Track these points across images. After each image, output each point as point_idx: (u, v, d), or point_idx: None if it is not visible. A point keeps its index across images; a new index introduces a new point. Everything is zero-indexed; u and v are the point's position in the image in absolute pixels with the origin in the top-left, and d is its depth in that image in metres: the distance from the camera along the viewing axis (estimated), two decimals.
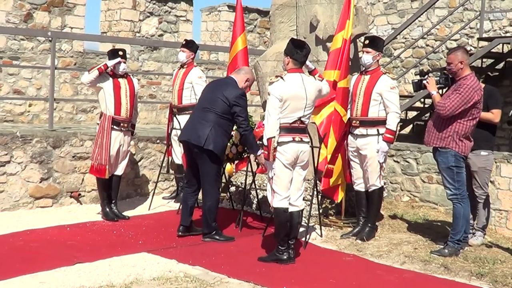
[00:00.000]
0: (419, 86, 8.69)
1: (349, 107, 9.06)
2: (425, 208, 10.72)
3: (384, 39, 10.89)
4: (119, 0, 15.52)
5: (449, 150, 8.19)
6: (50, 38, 11.36)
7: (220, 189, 9.18)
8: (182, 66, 10.95)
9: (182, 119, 10.42)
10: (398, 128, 8.95)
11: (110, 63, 9.64)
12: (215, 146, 8.53)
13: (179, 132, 10.44)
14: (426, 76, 8.55)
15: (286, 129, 7.66)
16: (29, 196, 10.23)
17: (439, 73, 8.70)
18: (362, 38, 9.47)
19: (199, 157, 8.66)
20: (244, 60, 10.65)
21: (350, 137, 9.01)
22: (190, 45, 10.99)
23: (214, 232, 8.80)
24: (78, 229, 9.21)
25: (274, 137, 7.58)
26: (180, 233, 8.93)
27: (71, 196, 10.63)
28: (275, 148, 7.63)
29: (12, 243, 8.38)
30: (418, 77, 8.76)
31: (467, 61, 8.28)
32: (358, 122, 8.87)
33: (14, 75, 13.43)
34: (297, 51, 7.77)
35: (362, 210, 9.10)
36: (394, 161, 11.26)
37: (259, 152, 8.36)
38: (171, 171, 11.49)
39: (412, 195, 11.06)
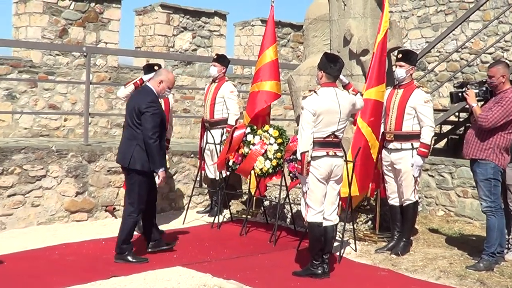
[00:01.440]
0: (458, 98, 8.63)
1: (382, 121, 9.02)
2: (460, 222, 10.63)
3: (418, 52, 10.87)
4: (153, 15, 15.63)
5: (489, 162, 8.13)
6: (85, 53, 11.47)
7: (139, 213, 8.48)
8: (213, 81, 10.99)
9: (215, 134, 10.47)
10: (433, 142, 8.86)
11: (146, 77, 9.68)
12: (143, 164, 8.24)
13: (212, 146, 10.50)
14: (465, 88, 8.50)
15: (320, 144, 7.65)
16: (64, 210, 10.32)
17: (474, 86, 8.64)
18: (396, 52, 9.45)
19: (127, 177, 8.50)
20: (273, 73, 10.54)
21: (384, 152, 8.98)
22: (222, 60, 11.03)
23: (126, 253, 8.35)
24: (113, 243, 9.20)
25: (308, 151, 7.57)
26: (149, 249, 8.73)
27: (106, 210, 10.71)
28: (308, 163, 7.62)
29: (48, 256, 8.46)
30: (457, 89, 8.71)
31: (508, 75, 8.24)
32: (392, 136, 8.84)
33: (50, 90, 13.55)
34: (331, 65, 7.76)
35: (396, 224, 9.05)
36: (429, 175, 11.19)
37: (161, 169, 8.21)
38: (204, 185, 11.51)
39: (447, 210, 10.98)
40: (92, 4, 14.29)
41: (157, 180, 8.37)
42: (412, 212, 8.94)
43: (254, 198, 10.62)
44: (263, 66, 10.58)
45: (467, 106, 8.59)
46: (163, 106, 9.70)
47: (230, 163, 10.01)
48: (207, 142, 10.64)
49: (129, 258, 8.32)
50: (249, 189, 10.46)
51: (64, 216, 10.34)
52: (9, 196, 9.84)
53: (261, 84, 10.45)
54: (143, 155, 8.19)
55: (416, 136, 8.68)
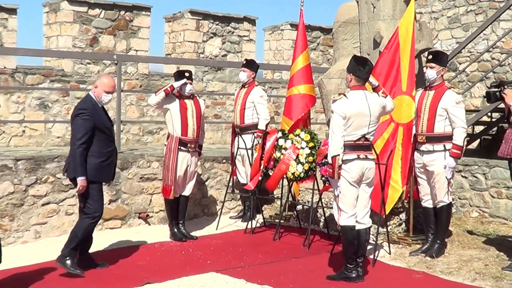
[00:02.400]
0: (496, 97, 8.54)
1: (414, 123, 8.97)
2: (495, 223, 10.53)
3: (448, 53, 10.79)
4: (183, 21, 15.70)
5: None
6: (116, 61, 11.56)
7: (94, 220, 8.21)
8: (243, 86, 11.00)
9: (246, 139, 10.48)
10: (465, 143, 8.80)
11: (176, 84, 9.72)
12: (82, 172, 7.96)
13: (243, 151, 10.50)
14: (501, 87, 8.42)
15: (351, 147, 7.63)
16: None
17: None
18: (426, 53, 9.40)
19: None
20: (306, 78, 10.64)
21: (416, 154, 8.93)
22: (251, 65, 11.04)
23: (67, 257, 8.02)
24: (147, 250, 9.29)
25: (339, 155, 7.56)
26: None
27: (139, 217, 10.75)
28: (340, 166, 7.60)
29: (83, 264, 8.49)
30: (494, 88, 8.64)
31: None
32: (424, 138, 8.78)
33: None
34: (360, 68, 7.74)
35: (430, 226, 8.99)
36: (462, 176, 11.10)
37: (80, 178, 7.82)
38: (236, 191, 11.52)
39: (481, 211, 10.88)
40: (122, 12, 14.40)
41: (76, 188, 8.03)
42: (446, 214, 8.88)
43: (287, 202, 10.60)
44: (296, 73, 10.66)
45: (501, 106, 8.52)
46: (194, 111, 9.75)
47: (262, 167, 10.01)
48: (238, 148, 10.66)
49: (68, 263, 8.00)
50: (281, 193, 10.44)
51: (98, 224, 10.37)
52: (43, 205, 9.92)
53: (296, 89, 10.55)
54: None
55: (448, 138, 8.62)
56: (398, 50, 9.17)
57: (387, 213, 9.17)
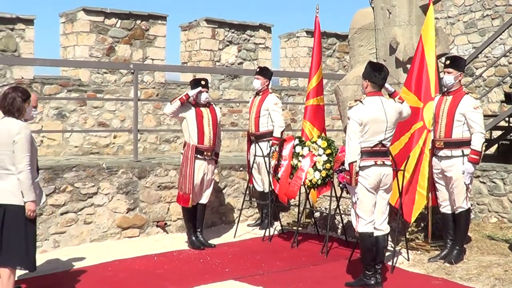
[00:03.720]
0: None
1: (432, 128, 8.94)
2: None
3: (465, 58, 10.73)
4: (199, 30, 15.73)
5: None
6: (132, 71, 11.59)
7: None
8: (257, 94, 10.99)
9: (262, 146, 10.48)
10: (483, 148, 8.76)
11: (191, 93, 9.74)
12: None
13: (259, 159, 10.50)
14: None
15: (368, 153, 7.62)
16: (116, 226, 10.41)
17: None
18: (443, 59, 9.37)
19: None
20: (321, 89, 10.69)
21: (434, 159, 8.90)
22: (264, 72, 11.03)
23: None
24: (165, 258, 9.31)
25: (356, 161, 7.55)
26: None
27: (157, 226, 10.77)
28: (357, 173, 7.59)
29: (102, 273, 8.53)
30: None
31: None
32: (442, 143, 8.75)
33: (99, 108, 13.70)
34: (376, 74, 7.74)
35: (449, 232, 8.96)
36: (480, 182, 11.05)
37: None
38: (253, 199, 11.52)
39: (500, 216, 10.82)
40: (138, 22, 14.45)
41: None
42: (464, 220, 8.84)
43: (305, 209, 10.59)
44: (319, 84, 10.63)
45: None
46: (210, 119, 9.77)
47: (279, 175, 10.00)
48: (255, 155, 10.65)
49: None
50: (299, 201, 10.43)
51: (116, 232, 10.42)
52: (61, 214, 9.96)
53: (320, 99, 10.61)
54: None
55: (466, 143, 8.59)
56: (425, 57, 9.12)
57: (413, 220, 9.16)
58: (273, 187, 10.31)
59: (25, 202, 6.84)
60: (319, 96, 10.63)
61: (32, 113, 7.57)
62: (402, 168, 8.69)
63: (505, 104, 14.59)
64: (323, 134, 10.25)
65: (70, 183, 10.04)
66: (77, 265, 8.98)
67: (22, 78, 12.86)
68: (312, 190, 9.84)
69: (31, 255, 7.03)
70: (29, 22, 13.32)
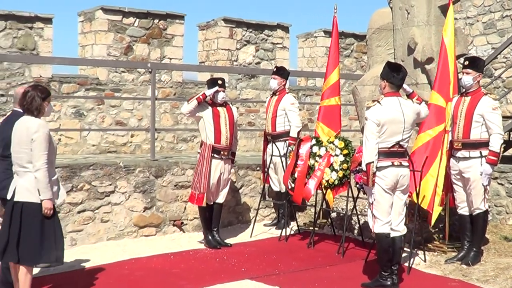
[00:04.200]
0: None
1: (450, 129, 8.90)
2: None
3: (484, 59, 10.67)
4: (216, 29, 15.74)
5: None
6: (150, 70, 11.60)
7: None
8: (274, 93, 10.98)
9: (279, 146, 10.46)
10: (502, 149, 8.71)
11: (208, 92, 9.75)
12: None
13: (277, 159, 10.49)
14: None
15: (385, 154, 7.60)
16: (133, 225, 10.44)
17: None
18: (462, 59, 9.33)
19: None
20: (338, 90, 10.58)
21: (452, 160, 8.86)
22: (281, 72, 11.02)
23: None
24: (181, 257, 9.32)
25: (373, 162, 7.53)
26: None
27: (174, 225, 10.79)
28: (374, 173, 7.57)
29: (118, 271, 8.56)
30: None
31: None
32: (460, 144, 8.71)
33: (116, 106, 13.74)
34: (394, 75, 7.71)
35: (466, 234, 8.92)
36: (498, 183, 10.99)
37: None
38: (268, 198, 11.50)
39: None
40: (156, 21, 14.47)
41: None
42: (482, 221, 8.80)
43: (321, 210, 10.57)
44: (334, 84, 10.53)
45: None
46: (227, 119, 9.77)
47: (296, 175, 9.98)
48: (272, 155, 10.64)
49: None
50: (315, 201, 10.41)
51: (133, 231, 10.45)
52: (79, 212, 10.00)
53: (334, 100, 10.48)
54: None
55: (484, 144, 8.55)
56: (447, 57, 9.06)
57: (433, 222, 9.12)
58: (290, 187, 10.29)
59: (41, 200, 6.87)
60: (335, 97, 10.53)
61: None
62: (419, 169, 8.66)
63: None
64: (339, 134, 10.20)
65: (88, 182, 10.08)
66: (94, 263, 9.00)
67: (40, 76, 12.92)
68: (329, 190, 9.82)
69: (50, 250, 7.02)
70: (47, 21, 13.37)
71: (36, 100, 6.98)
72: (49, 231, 7.03)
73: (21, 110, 7.33)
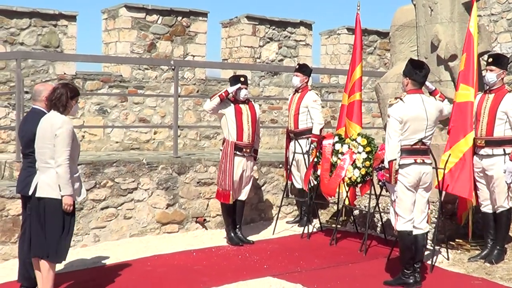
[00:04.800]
0: None
1: (473, 127, 8.85)
2: None
3: (508, 56, 10.60)
4: (239, 27, 15.74)
5: None
6: (173, 67, 11.65)
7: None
8: (296, 91, 10.96)
9: (301, 143, 10.45)
10: None
11: (231, 89, 9.75)
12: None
13: (299, 156, 10.48)
14: None
15: (408, 151, 7.57)
16: (156, 222, 10.47)
17: None
18: (486, 56, 9.27)
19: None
20: (360, 85, 10.55)
21: (475, 158, 8.80)
22: (304, 69, 11.00)
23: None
24: (204, 254, 9.34)
25: (395, 159, 7.51)
26: None
27: (196, 222, 10.81)
28: (396, 171, 7.55)
29: (141, 268, 8.59)
30: None
31: None
32: (483, 142, 8.66)
33: (139, 104, 13.79)
34: (416, 72, 7.69)
35: (490, 232, 8.86)
36: None
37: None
38: (291, 196, 11.50)
39: None
40: (179, 18, 14.50)
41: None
42: (505, 219, 8.75)
43: (344, 207, 10.55)
44: (358, 80, 10.52)
45: None
46: (249, 116, 9.78)
47: (318, 173, 9.97)
48: (294, 152, 10.63)
49: None
50: (338, 198, 10.40)
51: (156, 228, 10.49)
52: (102, 209, 10.04)
53: (358, 95, 10.49)
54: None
55: (508, 141, 8.49)
56: (472, 53, 8.99)
57: (464, 221, 9.10)
58: (312, 184, 10.28)
59: (62, 196, 6.91)
60: (358, 93, 10.52)
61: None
62: (441, 166, 8.63)
63: None
64: (362, 131, 10.18)
65: (111, 178, 10.13)
66: (117, 259, 9.05)
67: (65, 73, 13.00)
68: (352, 188, 9.81)
69: (63, 247, 7.08)
70: (71, 18, 13.45)
71: (63, 97, 7.06)
72: (68, 227, 7.09)
73: (40, 108, 7.45)
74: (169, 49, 14.37)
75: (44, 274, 7.00)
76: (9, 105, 12.49)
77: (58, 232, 6.97)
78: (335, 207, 10.95)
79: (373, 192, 9.56)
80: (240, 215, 10.07)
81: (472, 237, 9.29)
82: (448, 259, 8.84)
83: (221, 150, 9.89)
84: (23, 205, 7.61)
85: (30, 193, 7.06)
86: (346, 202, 10.30)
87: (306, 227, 10.40)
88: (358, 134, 9.76)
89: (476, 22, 9.03)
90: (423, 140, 7.63)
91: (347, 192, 10.06)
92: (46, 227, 6.95)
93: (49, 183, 6.93)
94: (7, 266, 8.75)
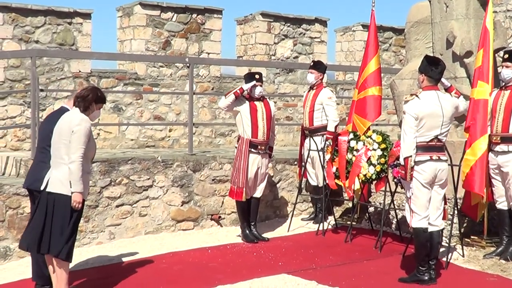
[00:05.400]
0: None
1: (489, 123, 8.80)
2: None
3: None
4: (254, 24, 15.73)
5: None
6: (188, 64, 11.65)
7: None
8: (311, 88, 10.95)
9: (316, 140, 10.44)
10: None
11: (246, 86, 9.76)
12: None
13: (314, 153, 10.47)
14: None
15: (423, 148, 7.56)
16: (171, 219, 10.49)
17: None
18: (501, 53, 9.23)
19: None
20: (378, 80, 10.34)
21: (491, 154, 8.76)
22: (318, 66, 10.98)
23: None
24: (219, 251, 9.35)
25: (411, 156, 7.49)
26: None
27: (211, 219, 10.83)
28: (412, 168, 7.54)
29: (156, 265, 8.62)
30: None
31: None
32: (498, 138, 8.62)
33: (155, 101, 13.80)
34: (432, 68, 7.67)
35: (505, 229, 8.82)
36: None
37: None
38: (306, 193, 11.48)
39: None
40: (194, 15, 14.50)
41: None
42: None
43: (359, 204, 10.54)
44: (370, 75, 10.38)
45: None
46: (264, 113, 9.78)
47: (334, 170, 9.97)
48: (309, 149, 10.62)
49: None
50: (353, 195, 10.39)
51: (171, 225, 10.51)
52: (117, 206, 10.07)
53: (370, 90, 10.27)
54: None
55: None
56: (489, 49, 8.93)
57: (479, 217, 9.06)
58: (327, 181, 10.26)
59: (72, 192, 6.93)
60: (374, 87, 10.35)
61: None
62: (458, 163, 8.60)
63: None
64: (376, 128, 10.13)
65: (126, 176, 10.15)
66: (132, 257, 9.08)
67: (80, 71, 13.03)
68: (368, 184, 9.81)
69: (70, 244, 7.09)
70: (86, 16, 13.47)
71: (88, 98, 7.17)
72: (74, 224, 7.10)
73: (67, 106, 7.57)
74: (184, 46, 14.38)
75: (58, 272, 7.02)
76: (24, 103, 12.53)
77: (62, 228, 6.96)
78: (350, 204, 10.93)
79: (388, 189, 9.54)
80: (255, 212, 10.08)
81: (488, 234, 9.26)
82: (463, 256, 8.81)
83: (236, 147, 9.90)
84: (31, 201, 7.66)
85: (42, 187, 7.09)
86: (361, 199, 10.29)
87: (321, 224, 10.39)
88: (373, 131, 9.74)
89: (492, 18, 8.99)
90: (439, 137, 7.61)
91: (362, 189, 10.04)
92: (52, 222, 6.96)
93: (61, 179, 6.95)
94: (23, 264, 8.79)
